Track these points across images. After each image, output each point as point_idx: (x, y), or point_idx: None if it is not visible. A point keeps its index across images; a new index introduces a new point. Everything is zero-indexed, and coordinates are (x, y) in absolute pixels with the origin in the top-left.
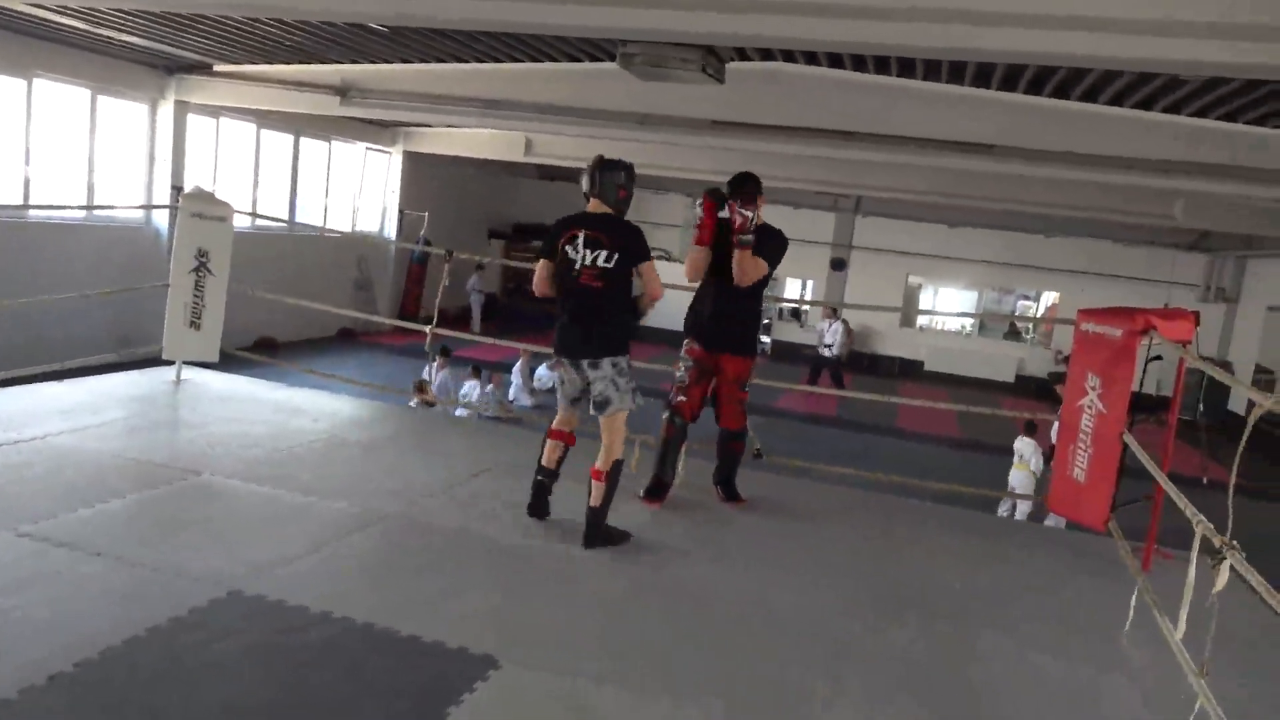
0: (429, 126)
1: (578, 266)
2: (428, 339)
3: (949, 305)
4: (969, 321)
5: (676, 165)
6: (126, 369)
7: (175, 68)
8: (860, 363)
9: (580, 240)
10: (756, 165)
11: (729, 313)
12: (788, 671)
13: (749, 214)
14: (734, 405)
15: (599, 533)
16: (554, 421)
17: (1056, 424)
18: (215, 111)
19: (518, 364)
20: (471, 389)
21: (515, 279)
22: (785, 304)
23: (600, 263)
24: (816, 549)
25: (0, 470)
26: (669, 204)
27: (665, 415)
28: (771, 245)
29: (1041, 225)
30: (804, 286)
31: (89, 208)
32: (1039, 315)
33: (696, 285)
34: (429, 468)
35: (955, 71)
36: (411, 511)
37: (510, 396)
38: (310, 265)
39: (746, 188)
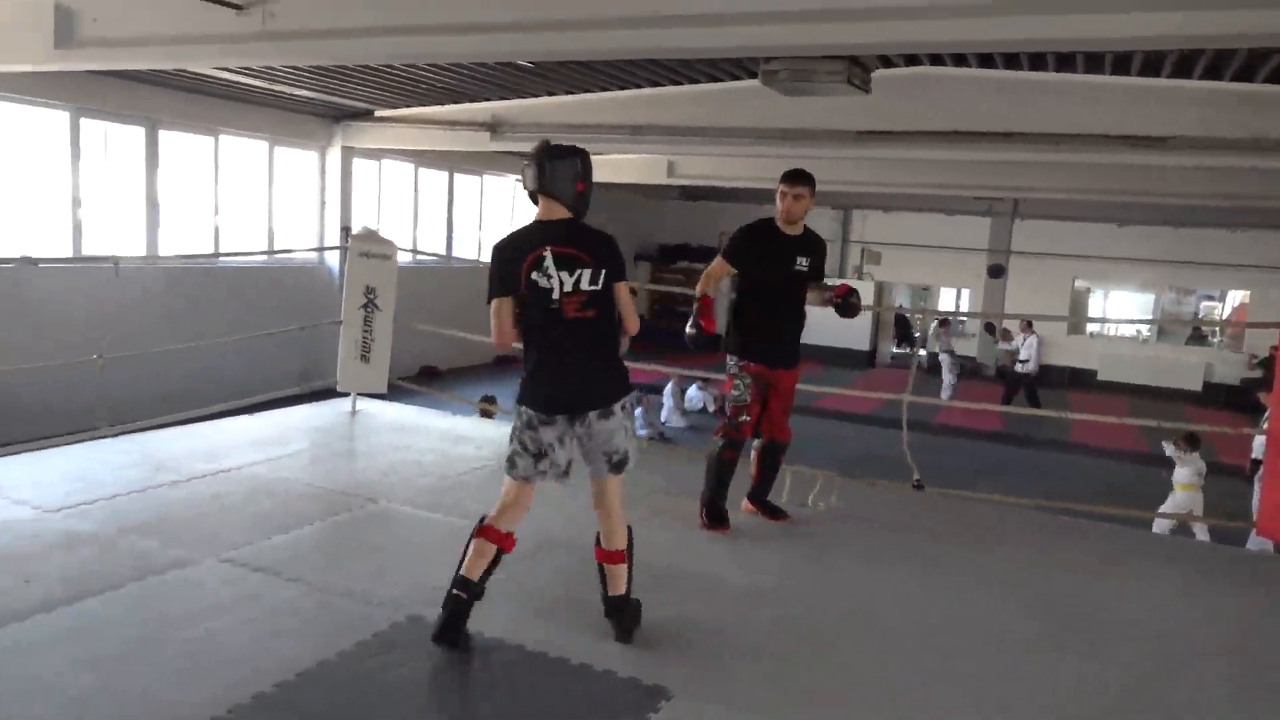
0: None
1: (556, 296)
2: None
3: (1121, 309)
4: (1145, 326)
5: (823, 179)
6: (307, 401)
7: (341, 116)
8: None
9: (549, 261)
10: (905, 173)
11: (787, 327)
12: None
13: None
14: (785, 417)
15: (635, 617)
16: (494, 511)
17: (1260, 438)
18: (377, 154)
19: (668, 386)
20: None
21: (663, 301)
22: (939, 316)
23: (585, 285)
24: (990, 576)
25: (203, 500)
26: (816, 218)
27: (724, 440)
28: (824, 262)
29: (1225, 218)
30: (959, 296)
31: (270, 252)
32: (1226, 317)
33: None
34: (588, 494)
35: (1120, 62)
36: (575, 538)
37: (663, 418)
38: (467, 296)
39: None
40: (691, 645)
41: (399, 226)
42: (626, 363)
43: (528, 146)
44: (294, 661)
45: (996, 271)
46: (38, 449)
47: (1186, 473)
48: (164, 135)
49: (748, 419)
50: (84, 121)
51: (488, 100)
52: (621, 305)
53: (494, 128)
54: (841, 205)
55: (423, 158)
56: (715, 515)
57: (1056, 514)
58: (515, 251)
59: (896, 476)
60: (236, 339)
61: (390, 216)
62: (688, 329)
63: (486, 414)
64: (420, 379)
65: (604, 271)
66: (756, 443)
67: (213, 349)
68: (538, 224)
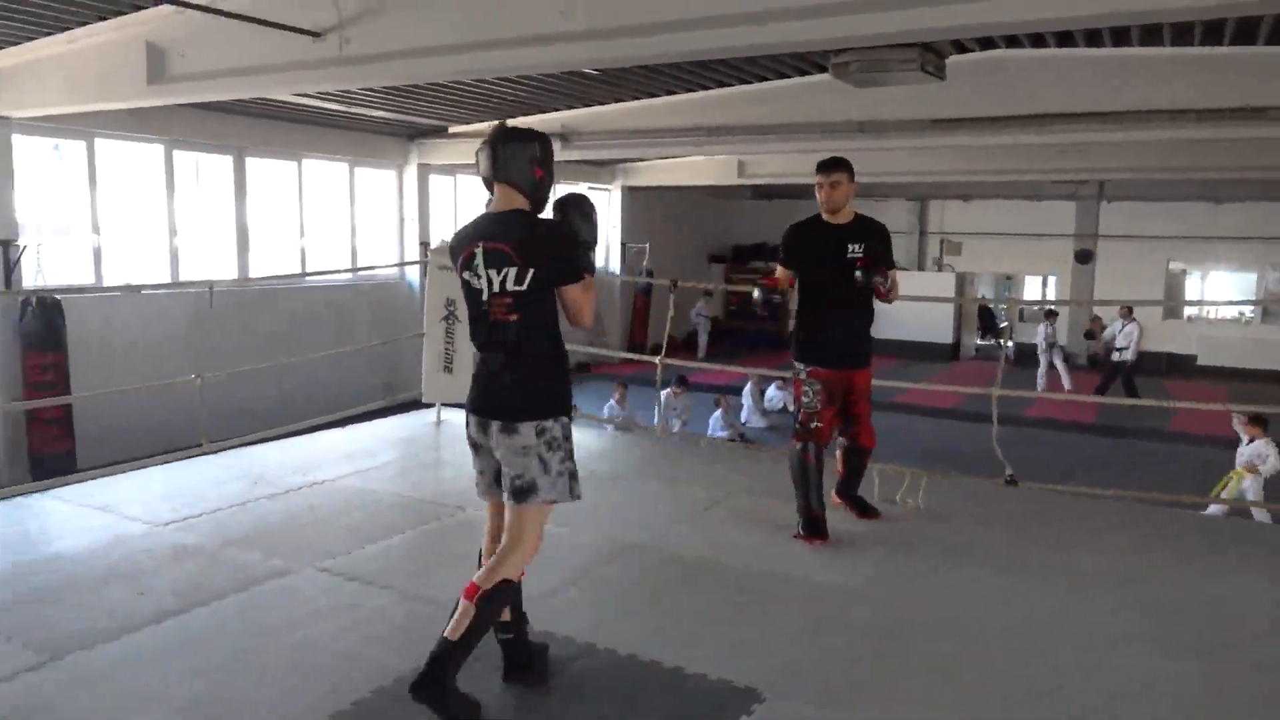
0: (644, 160)
1: (485, 298)
2: (658, 369)
3: (1221, 290)
4: (1248, 308)
5: (898, 170)
6: (393, 413)
7: (416, 134)
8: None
9: (479, 258)
10: (984, 160)
11: (855, 327)
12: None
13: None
14: (868, 420)
15: (442, 681)
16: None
17: None
18: (452, 170)
19: (747, 386)
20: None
21: (738, 302)
22: (1025, 305)
23: (509, 285)
24: (1089, 574)
25: (299, 511)
26: (891, 211)
27: (800, 445)
28: (890, 247)
29: None
30: (1045, 284)
31: (353, 270)
32: None
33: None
34: (672, 496)
35: (1212, 32)
36: (660, 541)
37: (743, 419)
38: None
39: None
40: (782, 647)
41: None
42: (701, 363)
43: (599, 154)
44: (391, 668)
45: (1084, 257)
46: (143, 467)
47: (1247, 453)
48: (250, 162)
49: (820, 425)
50: (177, 153)
51: (557, 110)
52: (566, 306)
53: (565, 137)
54: (918, 196)
55: None
56: (811, 526)
57: (1157, 506)
58: (454, 250)
59: (985, 472)
60: (324, 355)
61: None
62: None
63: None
64: None
65: (532, 272)
66: (841, 441)
67: (303, 366)
68: (483, 216)
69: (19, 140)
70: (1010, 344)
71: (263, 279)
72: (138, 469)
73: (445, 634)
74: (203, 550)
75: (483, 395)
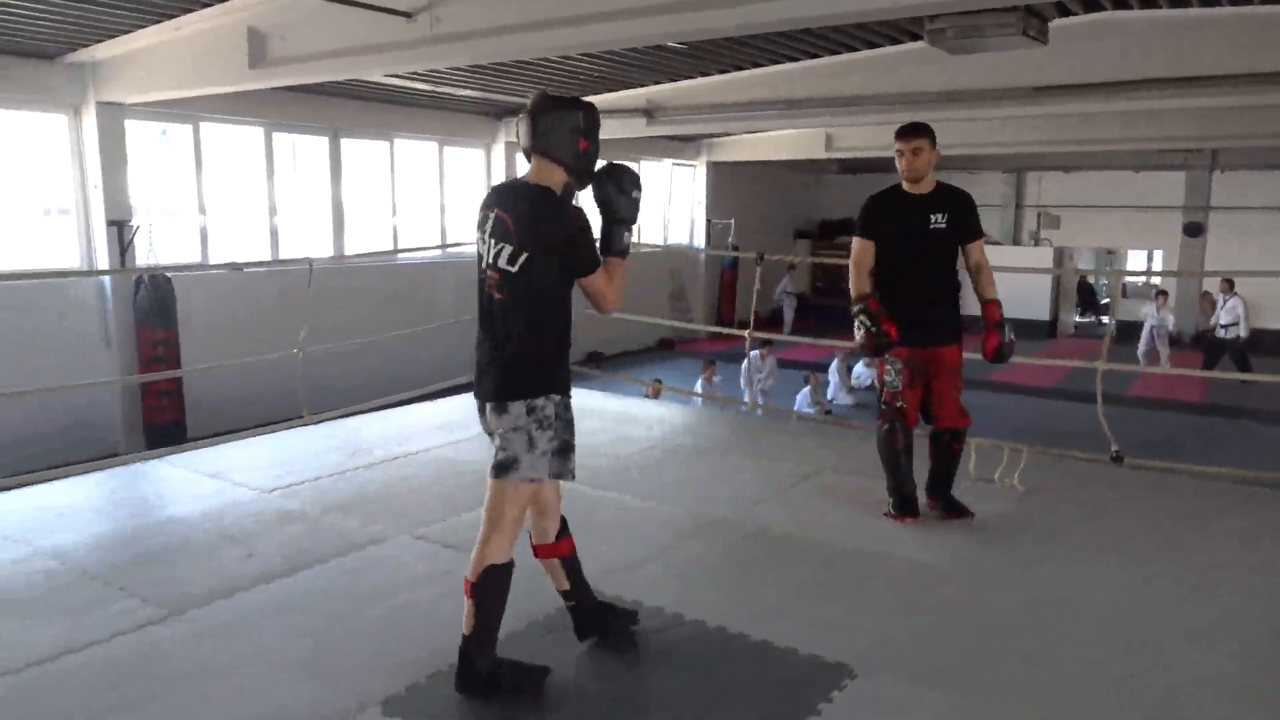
0: (730, 135)
1: (483, 266)
2: (746, 342)
3: None
4: None
5: (993, 140)
6: None
7: (502, 113)
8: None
9: (490, 224)
10: (1086, 129)
11: (938, 303)
12: (1167, 704)
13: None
14: (955, 399)
15: (474, 671)
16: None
17: None
18: None
19: (834, 363)
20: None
21: (825, 278)
22: (1131, 277)
23: (501, 262)
24: (1196, 556)
25: (395, 480)
26: (985, 183)
27: (885, 426)
28: (976, 216)
29: None
30: (1150, 258)
31: (443, 247)
32: None
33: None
34: (758, 471)
35: None
36: (747, 516)
37: (829, 396)
38: (629, 280)
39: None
40: (871, 624)
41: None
42: (789, 338)
43: (684, 129)
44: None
45: (1194, 230)
46: (249, 436)
47: None
48: (345, 143)
49: (903, 405)
50: (276, 135)
51: (642, 86)
52: (587, 295)
53: (649, 112)
54: (1014, 168)
55: None
56: (902, 504)
57: (1274, 490)
58: (480, 210)
59: (1087, 451)
60: (418, 330)
61: None
62: (858, 336)
63: (655, 394)
64: (587, 364)
65: (525, 256)
66: (929, 427)
67: (396, 341)
68: (507, 182)
69: (130, 126)
70: (1111, 321)
71: (357, 256)
72: (244, 438)
73: (463, 630)
74: (305, 516)
75: (478, 381)
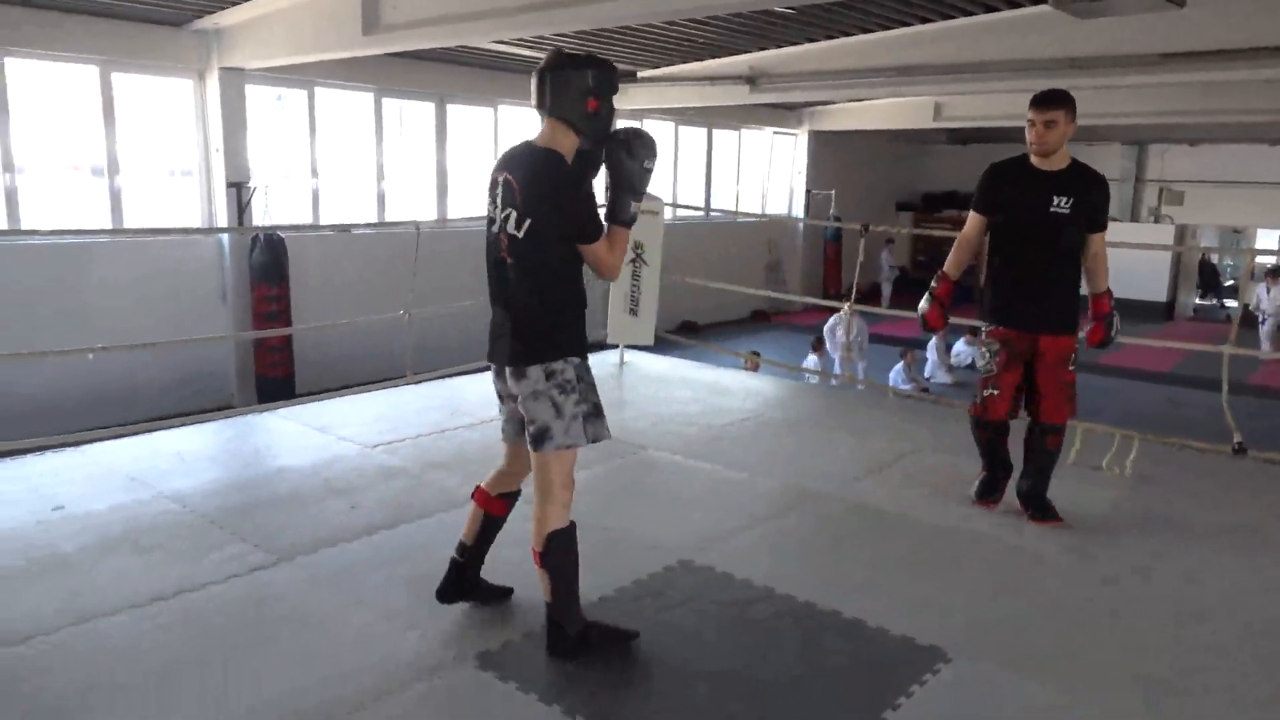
0: (833, 104)
1: (494, 230)
2: (845, 315)
3: None
4: None
5: (1115, 111)
6: None
7: None
8: None
9: (500, 190)
10: (1217, 99)
11: (1054, 288)
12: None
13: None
14: (1062, 392)
15: (564, 635)
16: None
17: None
18: (639, 115)
19: (933, 340)
20: (810, 361)
21: (926, 251)
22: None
23: (509, 227)
24: None
25: (493, 441)
26: (1103, 156)
27: (974, 420)
28: (1106, 206)
29: None
30: None
31: None
32: None
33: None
34: (853, 447)
35: None
36: (842, 491)
37: (927, 374)
38: (724, 250)
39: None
40: (969, 607)
41: (658, 183)
42: (887, 312)
43: (788, 96)
44: (580, 595)
45: None
46: (355, 393)
47: None
48: (450, 108)
49: (995, 393)
50: (385, 100)
51: (746, 52)
52: (588, 262)
53: (752, 80)
54: (1135, 140)
55: (682, 115)
56: (982, 487)
57: None
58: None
59: (1205, 440)
60: None
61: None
62: (920, 304)
63: (753, 366)
64: (680, 333)
65: (529, 222)
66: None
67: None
68: (518, 145)
69: (250, 91)
70: (1235, 304)
71: (460, 220)
72: (349, 395)
73: (544, 598)
74: (407, 472)
75: (492, 343)
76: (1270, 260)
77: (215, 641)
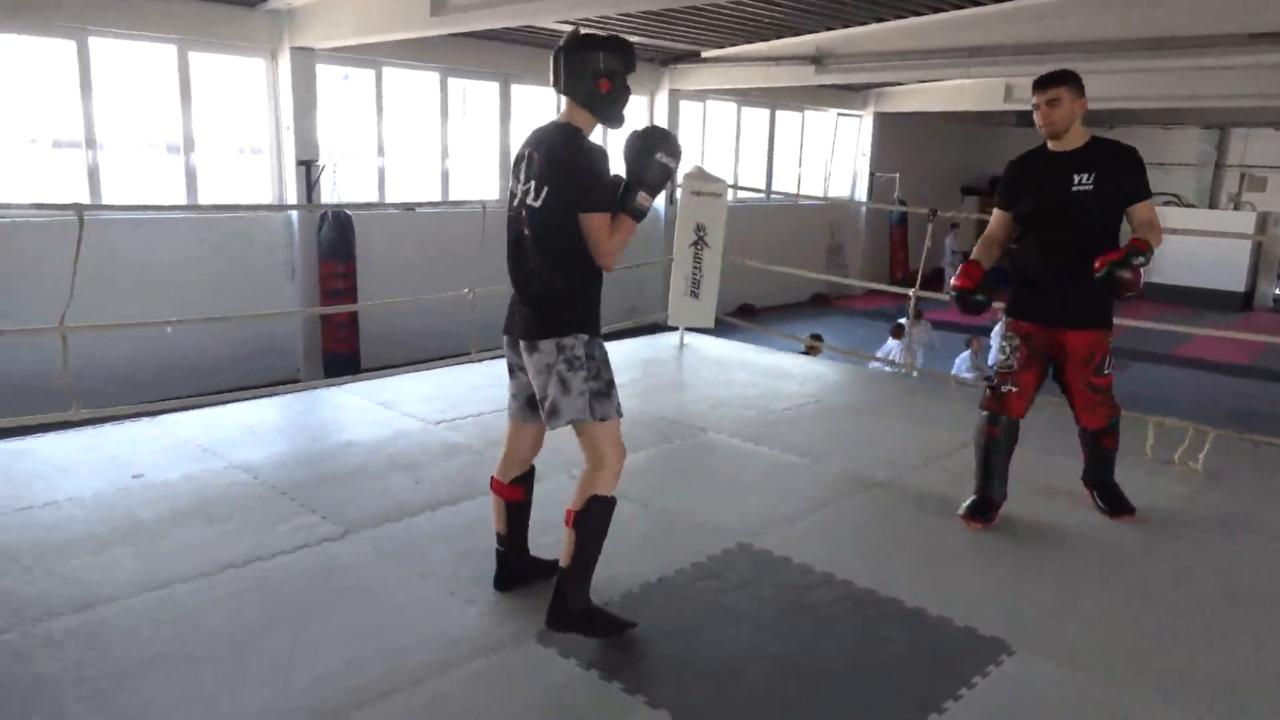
0: (899, 85)
1: (515, 204)
2: (911, 301)
3: None
4: None
5: (1196, 93)
6: (635, 335)
7: (668, 60)
8: None
9: (524, 165)
10: None
11: (1073, 272)
12: None
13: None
14: (1092, 396)
15: (565, 609)
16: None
17: None
18: (702, 95)
19: (997, 327)
20: (891, 348)
21: None
22: None
23: (529, 199)
24: None
25: None
26: (1182, 140)
27: (984, 416)
28: (1141, 175)
29: None
30: None
31: None
32: None
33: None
34: (915, 435)
35: None
36: (903, 479)
37: (990, 361)
38: (785, 233)
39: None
40: (1034, 600)
41: (720, 164)
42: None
43: (854, 78)
44: (639, 575)
45: None
46: (419, 370)
47: None
48: (515, 89)
49: (1013, 389)
50: (450, 80)
51: (812, 33)
52: (587, 238)
53: (818, 60)
54: (1216, 124)
55: (745, 96)
56: (974, 504)
57: None
58: (517, 153)
59: None
60: None
61: (712, 155)
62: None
63: (813, 350)
64: (739, 316)
65: (547, 189)
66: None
67: None
68: (546, 125)
69: (319, 70)
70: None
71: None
72: (413, 371)
73: (560, 562)
74: (469, 448)
75: (509, 315)
76: None
77: (284, 611)
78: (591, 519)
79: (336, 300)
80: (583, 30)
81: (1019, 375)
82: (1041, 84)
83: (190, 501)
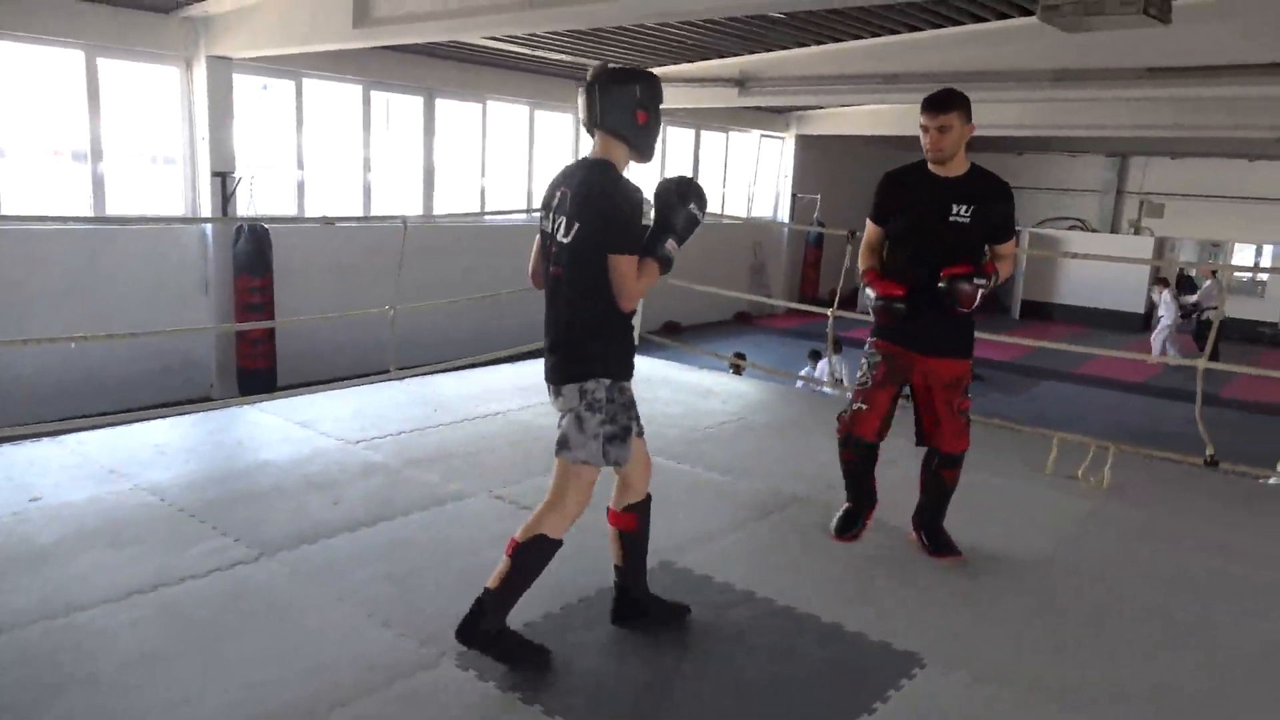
0: (822, 108)
1: (547, 244)
2: (829, 321)
3: None
4: None
5: (1096, 123)
6: None
7: None
8: None
9: (555, 203)
10: (1200, 114)
11: (937, 302)
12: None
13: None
14: (959, 419)
15: (478, 626)
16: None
17: None
18: None
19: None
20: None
21: None
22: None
23: (560, 235)
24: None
25: (475, 439)
26: (1086, 167)
27: (840, 438)
28: (1011, 216)
29: None
30: (1259, 253)
31: (528, 211)
32: None
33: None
34: (834, 452)
35: None
36: (822, 496)
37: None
38: (709, 252)
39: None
40: (946, 615)
41: (645, 183)
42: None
43: (777, 100)
44: (560, 594)
45: None
46: (337, 388)
47: None
48: (439, 103)
49: (865, 408)
50: (373, 93)
51: (736, 55)
52: (613, 278)
53: (741, 83)
54: (1118, 152)
55: (672, 116)
56: (842, 520)
57: None
58: (546, 193)
59: (1179, 452)
60: (507, 292)
61: (640, 175)
62: (876, 317)
63: (737, 369)
64: (664, 333)
65: (577, 226)
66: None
67: (482, 301)
68: (573, 162)
69: (236, 80)
70: (1216, 317)
71: (446, 216)
72: (331, 389)
73: (487, 583)
74: (388, 468)
75: (546, 360)
76: (1245, 276)
77: (194, 636)
78: (531, 556)
79: (252, 315)
80: (610, 64)
81: (873, 394)
82: (933, 107)
83: (94, 524)
